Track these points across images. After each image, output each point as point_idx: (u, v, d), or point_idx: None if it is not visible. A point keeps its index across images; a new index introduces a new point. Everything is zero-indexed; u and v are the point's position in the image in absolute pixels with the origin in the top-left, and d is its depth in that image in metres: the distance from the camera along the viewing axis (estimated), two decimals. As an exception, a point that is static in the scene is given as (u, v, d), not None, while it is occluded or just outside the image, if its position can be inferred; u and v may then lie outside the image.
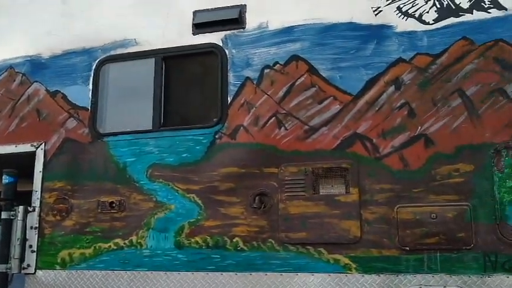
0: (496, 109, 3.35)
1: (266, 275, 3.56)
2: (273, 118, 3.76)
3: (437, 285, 3.26)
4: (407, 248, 3.33)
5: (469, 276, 3.22)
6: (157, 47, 4.16)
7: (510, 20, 3.46)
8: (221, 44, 4.00)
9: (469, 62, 3.45)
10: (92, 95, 4.25)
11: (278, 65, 3.83)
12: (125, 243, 3.89)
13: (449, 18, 3.56)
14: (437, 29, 3.56)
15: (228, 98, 3.89)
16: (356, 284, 3.39)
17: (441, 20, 3.57)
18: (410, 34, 3.61)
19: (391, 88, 3.57)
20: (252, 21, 3.98)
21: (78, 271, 3.97)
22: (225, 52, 3.97)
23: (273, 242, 3.58)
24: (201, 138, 3.87)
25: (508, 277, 3.16)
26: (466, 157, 3.34)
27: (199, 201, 3.77)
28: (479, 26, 3.49)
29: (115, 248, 3.92)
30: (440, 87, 3.47)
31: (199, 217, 3.75)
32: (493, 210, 3.24)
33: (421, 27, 3.59)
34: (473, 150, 3.34)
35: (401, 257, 3.34)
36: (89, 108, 4.23)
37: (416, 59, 3.56)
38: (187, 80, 4.22)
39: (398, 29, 3.63)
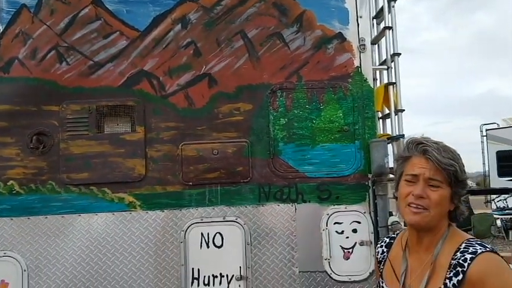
0: (273, 52, 3.57)
1: (46, 218, 3.38)
2: (53, 51, 3.47)
3: (217, 216, 3.46)
4: (191, 183, 3.45)
5: (246, 207, 3.48)
6: None
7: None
8: (-9, -36, 3.51)
9: (252, 5, 3.59)
10: None
11: (59, -7, 3.52)
12: None
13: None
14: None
15: (0, 27, 3.47)
16: (140, 220, 3.42)
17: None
18: None
19: (178, 26, 3.55)
20: None
21: None
22: (-4, -26, 3.51)
23: (54, 183, 3.39)
24: (-33, 71, 3.42)
25: (278, 205, 3.50)
26: (246, 97, 3.53)
27: (-34, 142, 3.37)
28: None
29: None
30: (224, 28, 3.56)
31: (-35, 160, 3.37)
32: (268, 146, 3.51)
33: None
34: (252, 90, 3.54)
35: (185, 192, 3.46)
36: None
37: (203, -2, 3.59)
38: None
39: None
